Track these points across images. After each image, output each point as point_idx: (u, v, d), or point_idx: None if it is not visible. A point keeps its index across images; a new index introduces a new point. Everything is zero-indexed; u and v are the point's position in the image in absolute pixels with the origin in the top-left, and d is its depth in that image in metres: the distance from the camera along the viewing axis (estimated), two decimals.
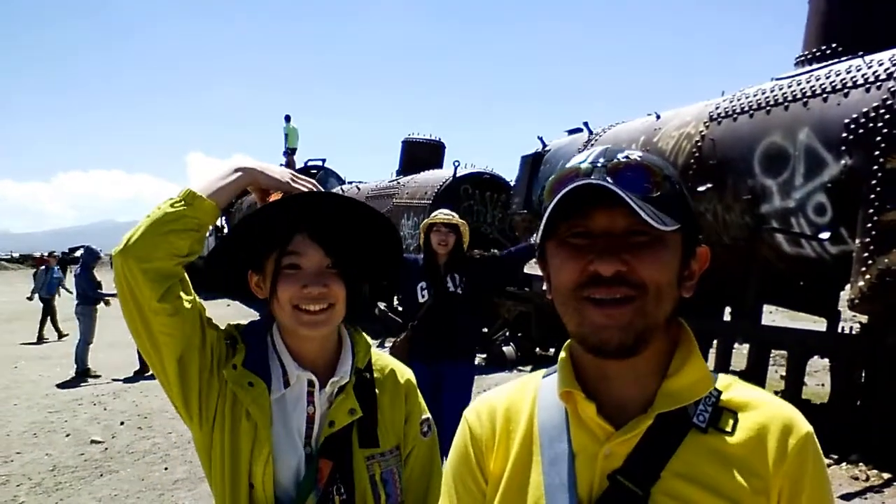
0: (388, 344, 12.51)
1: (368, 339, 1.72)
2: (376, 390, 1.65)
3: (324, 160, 20.39)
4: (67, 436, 7.47)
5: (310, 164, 20.53)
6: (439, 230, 5.20)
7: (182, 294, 1.50)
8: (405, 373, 1.75)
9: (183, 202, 1.48)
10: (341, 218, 1.60)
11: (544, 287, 1.11)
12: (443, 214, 5.30)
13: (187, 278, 1.54)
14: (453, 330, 5.17)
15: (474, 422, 1.19)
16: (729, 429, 1.02)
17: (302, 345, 1.59)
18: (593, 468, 1.03)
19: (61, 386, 10.39)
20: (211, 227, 1.61)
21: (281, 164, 22.68)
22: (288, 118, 23.40)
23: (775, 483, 0.99)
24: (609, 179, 0.97)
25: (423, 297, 5.22)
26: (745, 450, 1.00)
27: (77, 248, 13.61)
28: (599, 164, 1.00)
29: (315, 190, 1.65)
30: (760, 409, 1.04)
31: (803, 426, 1.02)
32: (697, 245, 1.08)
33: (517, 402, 1.18)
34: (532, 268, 13.44)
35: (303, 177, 1.68)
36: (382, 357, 1.74)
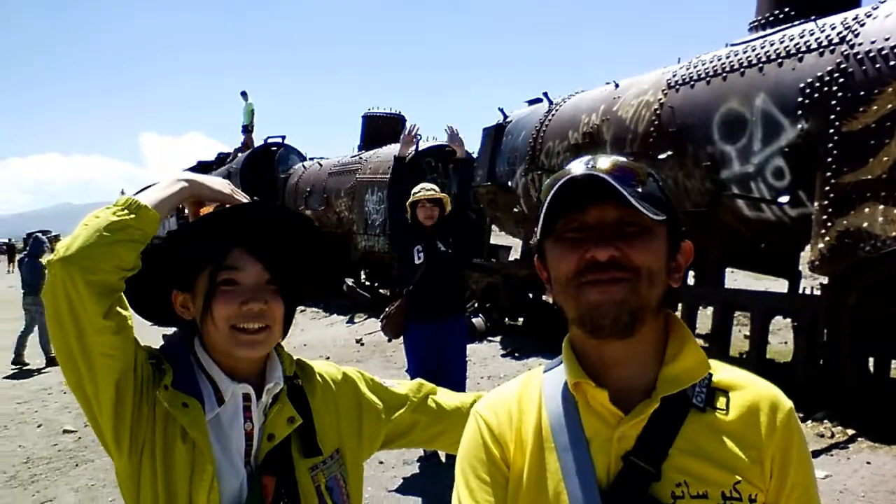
0: (359, 319, 12.55)
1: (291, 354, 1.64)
2: (308, 397, 1.58)
3: (283, 137, 20.13)
4: (39, 426, 7.41)
5: (269, 140, 20.25)
6: (424, 206, 5.48)
7: (121, 310, 1.38)
8: (336, 374, 1.69)
9: (127, 211, 1.37)
10: (280, 230, 1.53)
11: (545, 285, 1.19)
12: (425, 191, 5.52)
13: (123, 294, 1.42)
14: (445, 286, 5.52)
15: (490, 417, 1.25)
16: (723, 407, 1.12)
17: (236, 363, 1.49)
18: (608, 451, 1.11)
19: (28, 375, 10.26)
20: None
21: (240, 143, 22.39)
22: (245, 94, 23.09)
23: (768, 453, 1.09)
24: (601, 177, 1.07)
25: (419, 258, 5.53)
26: (739, 425, 1.10)
27: (34, 234, 13.30)
28: (590, 166, 1.10)
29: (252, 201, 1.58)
30: (748, 389, 1.15)
31: (787, 402, 1.14)
32: (682, 240, 1.17)
33: (525, 396, 1.25)
34: (498, 238, 13.50)
35: (240, 191, 1.60)
36: (307, 362, 1.68)
